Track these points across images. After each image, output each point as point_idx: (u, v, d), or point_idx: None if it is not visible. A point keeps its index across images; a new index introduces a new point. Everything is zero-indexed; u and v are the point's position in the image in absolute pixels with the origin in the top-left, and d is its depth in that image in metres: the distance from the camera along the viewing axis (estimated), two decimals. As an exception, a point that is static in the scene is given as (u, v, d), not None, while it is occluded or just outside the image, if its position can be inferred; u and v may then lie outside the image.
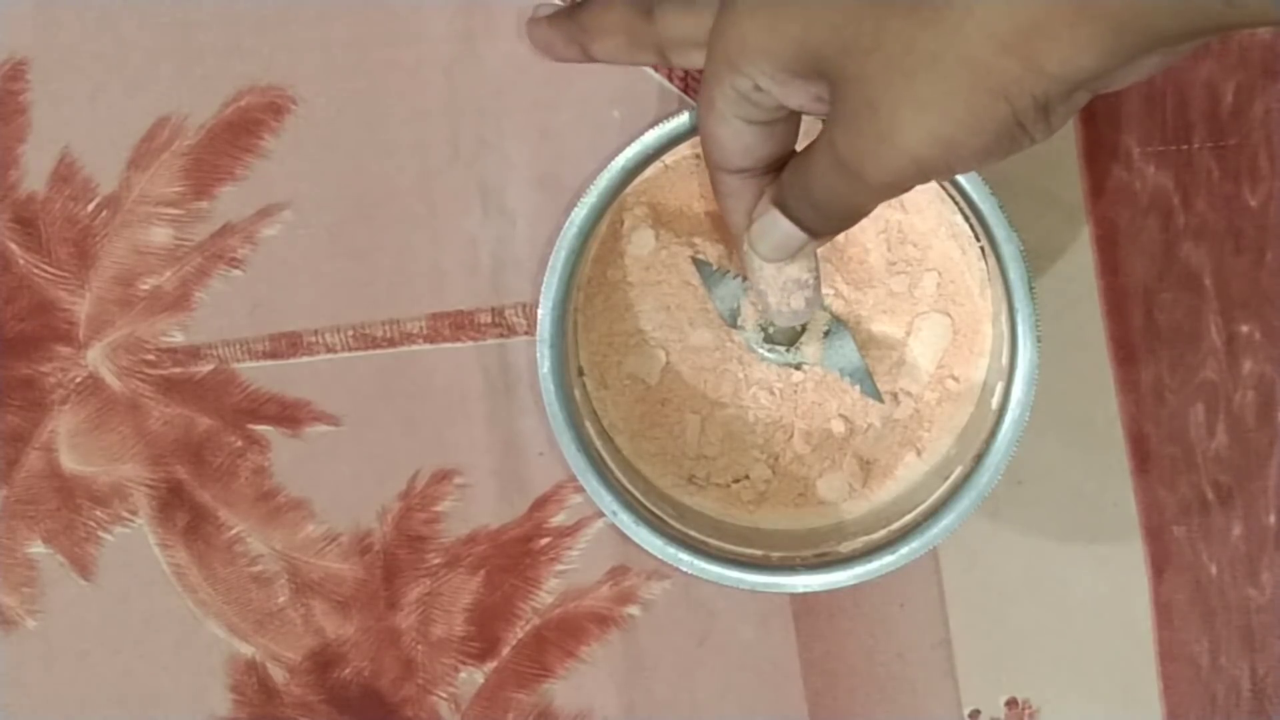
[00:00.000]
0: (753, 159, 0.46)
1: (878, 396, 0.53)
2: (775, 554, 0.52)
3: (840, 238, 0.53)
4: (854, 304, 0.54)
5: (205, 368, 0.57)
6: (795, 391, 0.54)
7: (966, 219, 0.51)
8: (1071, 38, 0.37)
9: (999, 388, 0.51)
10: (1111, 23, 0.36)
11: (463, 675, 0.57)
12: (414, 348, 0.57)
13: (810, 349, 0.53)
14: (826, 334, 0.53)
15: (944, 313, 0.54)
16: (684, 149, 0.52)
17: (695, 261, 0.53)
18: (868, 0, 0.39)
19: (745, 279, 0.50)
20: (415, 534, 0.57)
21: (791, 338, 0.53)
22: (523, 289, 0.56)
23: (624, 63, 0.51)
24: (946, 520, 0.50)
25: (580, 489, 0.52)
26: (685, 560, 0.51)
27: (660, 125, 0.50)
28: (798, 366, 0.54)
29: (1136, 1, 0.35)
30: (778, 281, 0.49)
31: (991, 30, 0.37)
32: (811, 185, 0.44)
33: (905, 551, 0.51)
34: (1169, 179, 0.56)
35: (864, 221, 0.53)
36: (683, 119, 0.50)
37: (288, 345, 0.57)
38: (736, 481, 0.54)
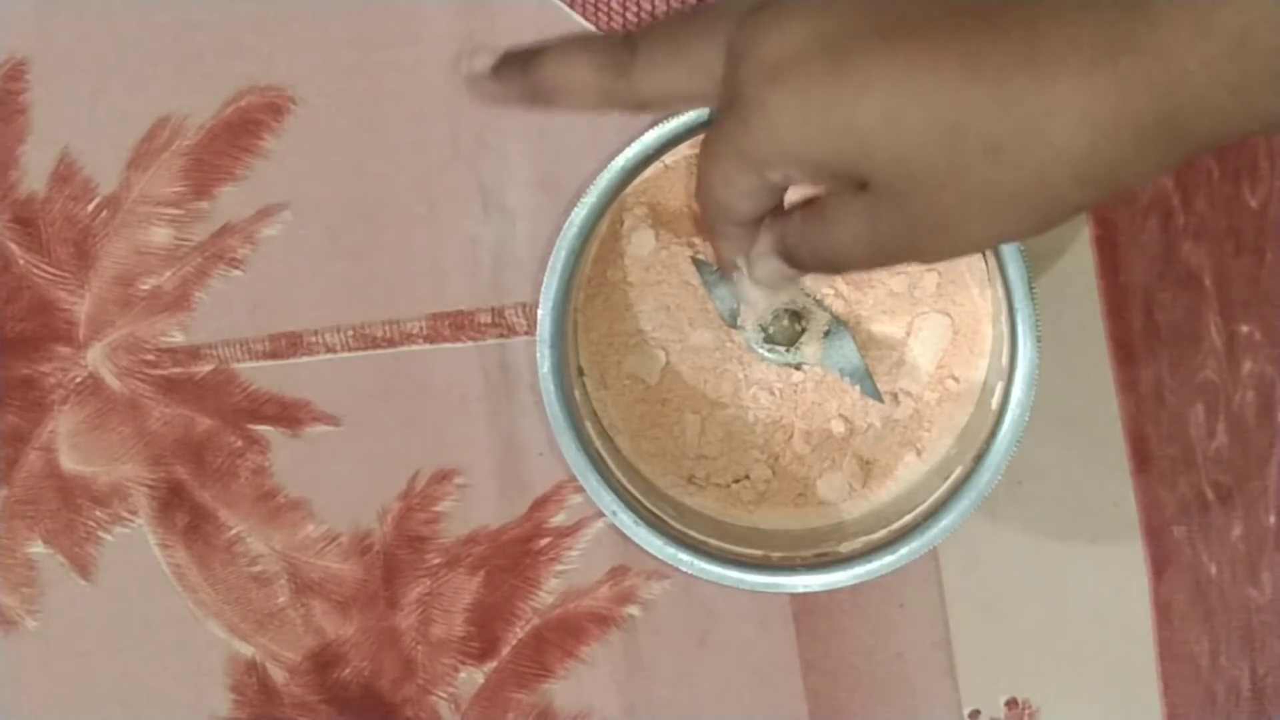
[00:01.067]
0: (759, 213, 0.44)
1: (878, 397, 0.53)
2: (775, 554, 0.52)
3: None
4: (854, 304, 0.54)
5: (205, 368, 0.57)
6: (795, 391, 0.54)
7: (966, 219, 0.51)
8: (1145, 164, 0.37)
9: (999, 388, 0.51)
10: (1188, 143, 0.37)
11: (463, 675, 0.57)
12: (414, 348, 0.57)
13: (810, 349, 0.53)
14: (826, 334, 0.53)
15: (944, 313, 0.54)
16: (684, 149, 0.52)
17: (695, 261, 0.53)
18: (939, 138, 0.38)
19: (734, 289, 0.50)
20: (415, 534, 0.57)
21: (791, 337, 0.53)
22: (523, 289, 0.56)
23: (590, 112, 0.46)
24: (946, 520, 0.50)
25: (580, 489, 0.52)
26: (685, 560, 0.51)
27: (660, 125, 0.50)
28: (798, 366, 0.54)
29: (1219, 123, 0.36)
30: (769, 311, 0.52)
31: (1078, 172, 0.37)
32: (828, 249, 0.43)
33: (905, 551, 0.51)
34: (1169, 179, 0.56)
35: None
36: (682, 119, 0.50)
37: (288, 345, 0.57)
38: (736, 481, 0.54)
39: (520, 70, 0.45)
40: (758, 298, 0.49)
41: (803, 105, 0.39)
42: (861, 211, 0.41)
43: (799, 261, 0.44)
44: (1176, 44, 0.35)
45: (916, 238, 0.40)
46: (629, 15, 0.56)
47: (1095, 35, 0.36)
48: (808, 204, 0.44)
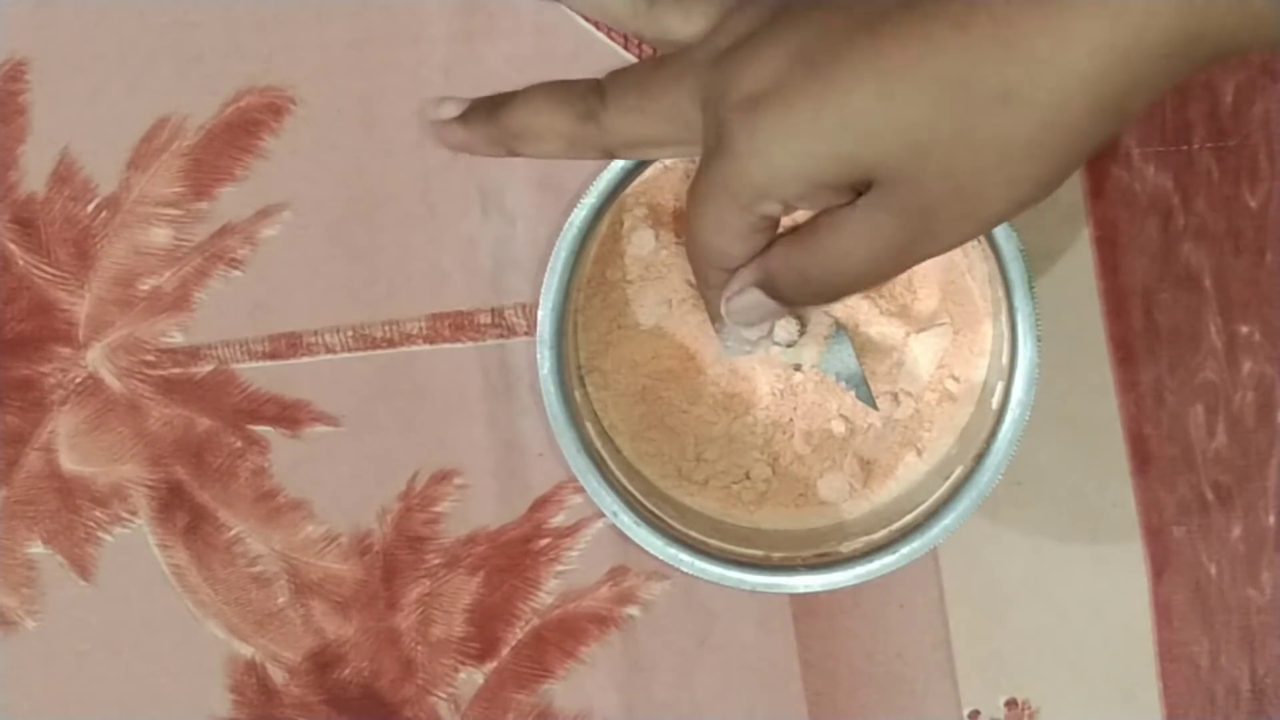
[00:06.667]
0: (750, 254, 0.43)
1: (872, 404, 0.53)
2: (776, 554, 0.52)
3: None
4: (853, 307, 0.54)
5: (205, 368, 0.57)
6: (795, 391, 0.54)
7: (966, 219, 0.51)
8: (1162, 82, 0.36)
9: (999, 388, 0.51)
10: (1206, 57, 0.36)
11: (462, 676, 0.57)
12: (414, 348, 0.57)
13: (809, 350, 0.53)
14: (826, 337, 0.53)
15: (944, 313, 0.54)
16: (684, 149, 0.52)
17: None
18: (941, 97, 0.37)
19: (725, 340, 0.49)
20: (415, 534, 0.57)
21: (791, 338, 0.53)
22: (523, 289, 0.56)
23: (558, 158, 0.45)
24: (946, 520, 0.50)
25: (580, 489, 0.52)
26: (685, 560, 0.51)
27: (660, 125, 0.50)
28: (797, 366, 0.54)
29: (1249, 31, 0.35)
30: (759, 349, 0.51)
31: (1095, 99, 0.36)
32: (821, 267, 0.41)
33: (905, 551, 0.51)
34: (1169, 179, 0.56)
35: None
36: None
37: (288, 345, 0.57)
38: (737, 482, 0.54)
39: (488, 116, 0.44)
40: (740, 343, 0.48)
41: (791, 121, 0.38)
42: (864, 215, 0.40)
43: (780, 292, 0.43)
44: None
45: (931, 222, 0.39)
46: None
47: None
48: (789, 232, 0.42)
